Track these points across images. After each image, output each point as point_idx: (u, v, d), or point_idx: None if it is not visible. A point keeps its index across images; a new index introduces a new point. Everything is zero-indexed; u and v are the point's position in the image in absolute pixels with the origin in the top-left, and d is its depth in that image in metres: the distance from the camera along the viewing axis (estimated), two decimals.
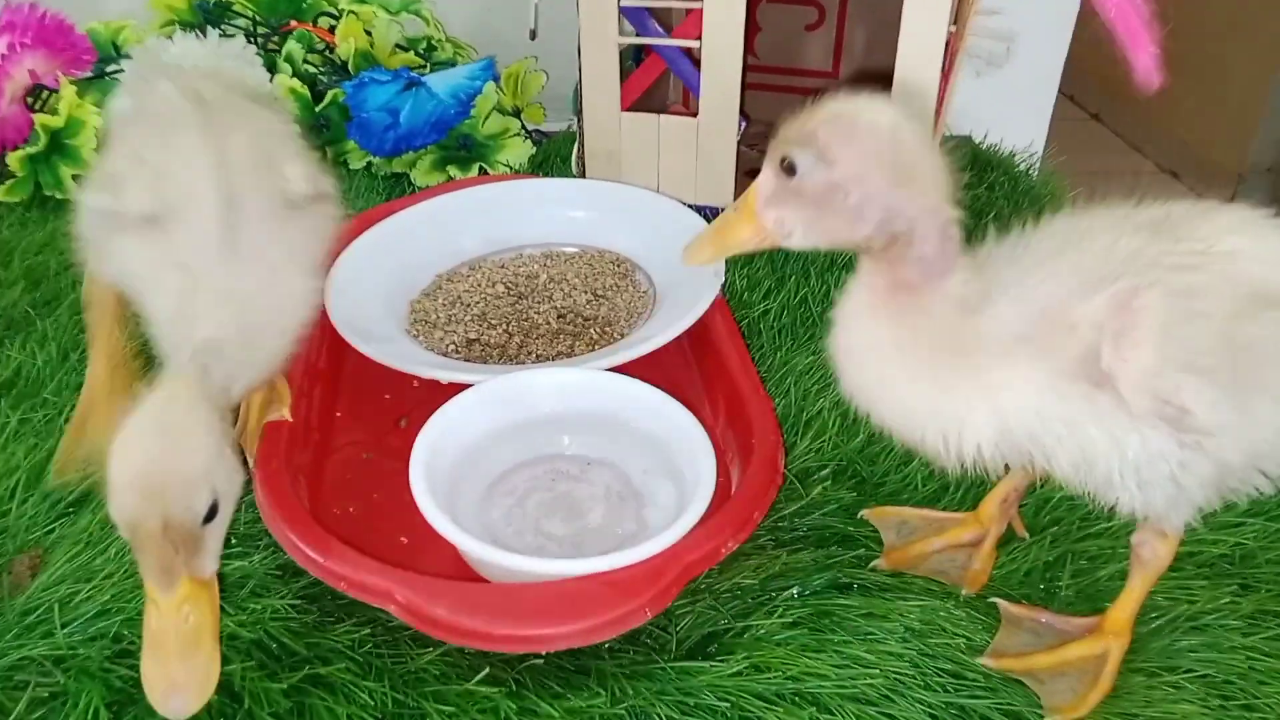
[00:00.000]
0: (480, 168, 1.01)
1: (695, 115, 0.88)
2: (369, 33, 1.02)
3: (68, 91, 0.94)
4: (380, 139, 0.98)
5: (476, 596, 0.50)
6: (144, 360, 0.64)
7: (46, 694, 0.49)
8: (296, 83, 0.98)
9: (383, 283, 0.78)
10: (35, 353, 0.72)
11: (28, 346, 0.73)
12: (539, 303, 0.78)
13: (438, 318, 0.77)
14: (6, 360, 0.72)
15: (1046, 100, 1.31)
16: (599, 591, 0.49)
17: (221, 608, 0.48)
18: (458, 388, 0.63)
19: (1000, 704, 0.50)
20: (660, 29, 0.87)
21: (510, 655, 0.51)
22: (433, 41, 1.06)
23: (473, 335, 0.74)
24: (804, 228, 0.46)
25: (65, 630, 0.51)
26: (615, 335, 0.75)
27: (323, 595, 0.54)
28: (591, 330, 0.75)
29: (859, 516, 0.61)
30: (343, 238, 0.81)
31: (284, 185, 0.57)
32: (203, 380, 0.49)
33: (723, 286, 0.74)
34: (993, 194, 1.00)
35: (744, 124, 0.89)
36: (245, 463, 0.55)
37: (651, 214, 0.85)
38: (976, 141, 1.14)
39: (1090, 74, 1.25)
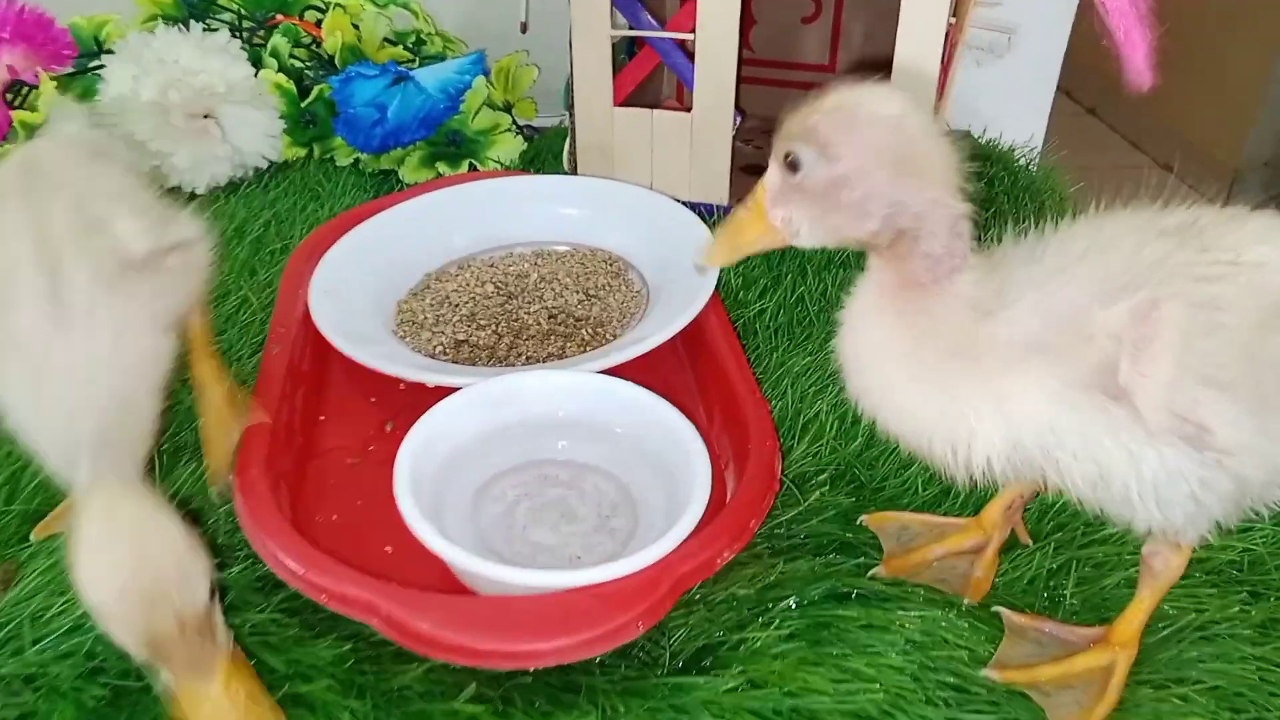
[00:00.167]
0: (470, 164, 0.99)
1: (689, 110, 0.86)
2: (356, 26, 1.00)
3: (48, 88, 0.92)
4: (368, 135, 0.97)
5: (462, 610, 0.49)
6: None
7: (15, 714, 0.47)
8: (282, 78, 0.97)
9: (369, 282, 0.77)
10: None
11: None
12: (529, 303, 0.77)
13: (425, 318, 0.75)
14: None
15: (1046, 95, 1.30)
16: (590, 605, 0.48)
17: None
18: (445, 391, 0.61)
19: (1004, 719, 0.49)
20: (653, 21, 0.86)
21: (497, 672, 0.49)
22: (422, 35, 1.05)
23: (461, 336, 0.73)
24: (810, 225, 0.45)
25: (36, 647, 0.49)
26: (608, 336, 0.73)
27: (304, 608, 0.53)
28: (583, 331, 0.73)
29: (858, 522, 0.60)
30: (329, 236, 0.80)
31: (115, 246, 0.53)
32: (120, 477, 0.47)
33: (717, 285, 0.73)
34: (992, 189, 0.99)
35: (739, 119, 0.88)
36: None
37: (645, 211, 0.84)
38: (976, 136, 1.13)
39: (1087, 68, 1.25)
